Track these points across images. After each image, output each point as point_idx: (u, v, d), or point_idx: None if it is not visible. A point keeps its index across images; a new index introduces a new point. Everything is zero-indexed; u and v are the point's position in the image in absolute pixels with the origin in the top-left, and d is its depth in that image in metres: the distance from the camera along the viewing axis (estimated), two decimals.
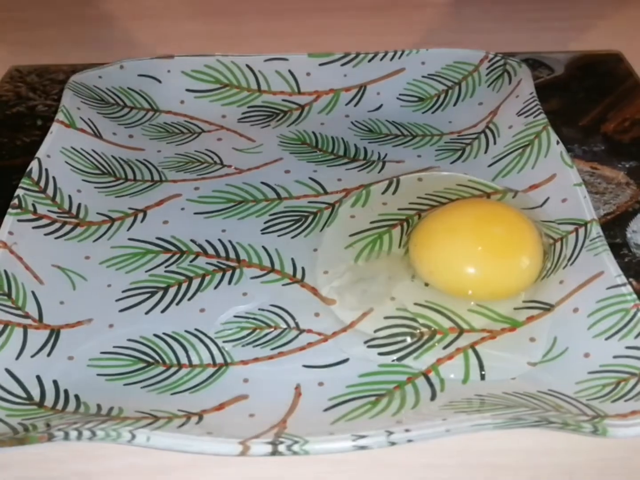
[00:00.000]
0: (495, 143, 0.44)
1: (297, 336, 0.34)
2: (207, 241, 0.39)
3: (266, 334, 0.34)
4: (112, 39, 0.57)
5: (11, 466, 0.30)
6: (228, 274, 0.37)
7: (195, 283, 0.37)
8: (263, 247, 0.38)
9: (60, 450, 0.30)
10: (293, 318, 0.35)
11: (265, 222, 0.40)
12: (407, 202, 0.41)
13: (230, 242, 0.39)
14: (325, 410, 0.31)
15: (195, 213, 0.40)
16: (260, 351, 0.33)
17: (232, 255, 0.38)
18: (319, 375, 0.32)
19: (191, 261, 0.38)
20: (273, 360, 0.33)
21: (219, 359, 0.33)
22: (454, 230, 0.36)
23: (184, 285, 0.36)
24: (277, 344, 0.34)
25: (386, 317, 0.35)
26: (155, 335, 0.34)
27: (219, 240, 0.39)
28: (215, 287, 0.36)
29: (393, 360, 0.33)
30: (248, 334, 0.34)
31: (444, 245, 0.36)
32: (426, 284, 0.36)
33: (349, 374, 0.32)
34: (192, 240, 0.39)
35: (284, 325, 0.35)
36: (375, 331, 0.34)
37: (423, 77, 0.48)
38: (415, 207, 0.40)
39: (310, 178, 0.42)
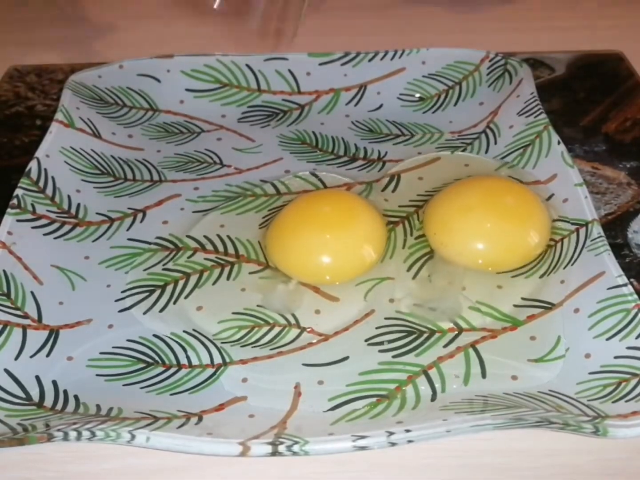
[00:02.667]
0: (496, 143, 0.44)
1: (297, 336, 0.34)
2: (205, 237, 0.39)
3: (266, 333, 0.34)
4: (111, 39, 0.57)
5: (10, 467, 0.30)
6: (226, 269, 0.37)
7: (193, 279, 0.37)
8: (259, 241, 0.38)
9: (59, 451, 0.30)
10: (293, 315, 0.35)
11: (264, 217, 0.40)
12: (407, 200, 0.41)
13: (228, 237, 0.39)
14: (325, 410, 0.31)
15: (194, 212, 0.40)
16: (259, 350, 0.33)
17: (230, 250, 0.38)
18: (318, 374, 0.32)
19: (189, 257, 0.38)
20: (272, 359, 0.33)
21: (218, 359, 0.33)
22: (464, 201, 0.37)
23: (181, 282, 0.36)
24: (277, 345, 0.34)
25: (387, 318, 0.35)
26: (154, 335, 0.34)
27: (217, 235, 0.39)
28: (214, 283, 0.36)
29: (393, 357, 0.33)
30: (247, 333, 0.34)
31: (455, 215, 0.37)
32: (429, 280, 0.36)
33: (349, 372, 0.32)
34: (188, 236, 0.39)
35: (283, 322, 0.35)
36: (376, 328, 0.34)
37: (423, 76, 0.48)
38: (415, 205, 0.40)
39: (311, 173, 0.43)
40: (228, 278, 0.37)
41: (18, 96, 0.51)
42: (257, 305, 0.35)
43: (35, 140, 0.44)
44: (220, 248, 0.38)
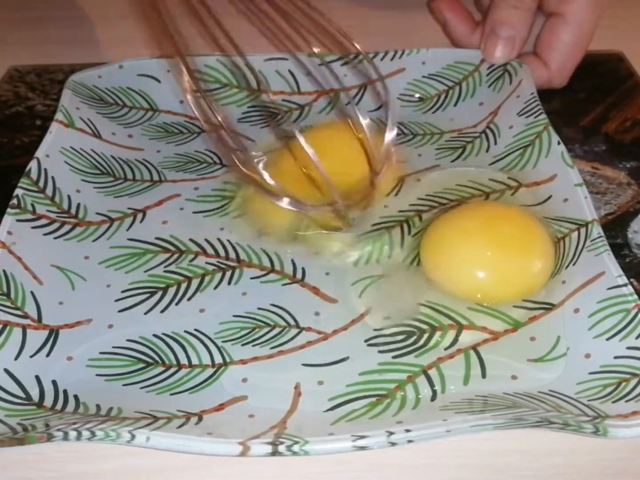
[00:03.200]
0: (496, 143, 0.44)
1: (296, 334, 0.34)
2: (207, 240, 0.39)
3: (265, 333, 0.34)
4: (111, 39, 0.57)
5: (10, 467, 0.30)
6: (228, 274, 0.37)
7: (195, 283, 0.36)
8: (262, 248, 0.38)
9: (59, 451, 0.30)
10: (293, 317, 0.35)
11: None
12: (407, 204, 0.41)
13: (229, 241, 0.39)
14: (325, 410, 0.31)
15: (194, 212, 0.40)
16: (259, 350, 0.33)
17: (232, 255, 0.38)
18: (318, 374, 0.32)
19: (190, 261, 0.38)
20: (272, 359, 0.33)
21: (218, 359, 0.33)
22: (464, 233, 0.37)
23: (184, 285, 0.36)
24: (277, 343, 0.34)
25: (386, 317, 0.35)
26: (154, 335, 0.34)
27: (218, 239, 0.39)
28: (215, 288, 0.36)
29: (393, 358, 0.33)
30: (247, 333, 0.34)
31: (455, 249, 0.36)
32: (428, 285, 0.36)
33: (349, 372, 0.32)
34: (191, 240, 0.39)
35: (283, 324, 0.35)
36: (375, 330, 0.34)
37: (423, 77, 0.48)
38: (415, 209, 0.40)
39: None
40: (229, 282, 0.37)
41: (18, 96, 0.51)
42: (258, 308, 0.35)
43: (35, 140, 0.44)
44: (222, 252, 0.38)
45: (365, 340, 0.34)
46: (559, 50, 0.46)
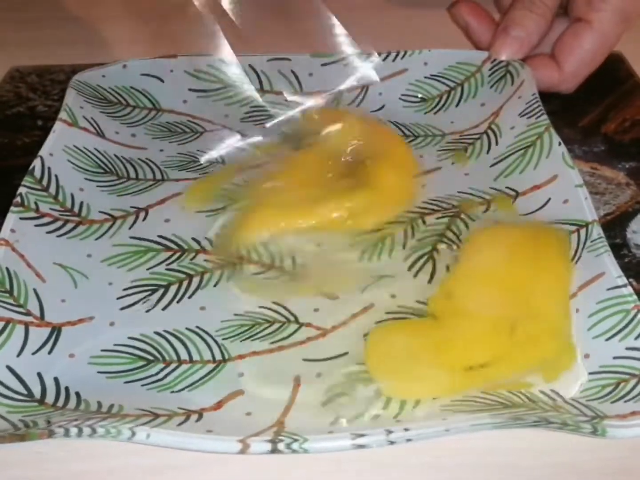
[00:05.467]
0: (497, 144, 0.44)
1: (296, 330, 0.34)
2: (207, 239, 0.39)
3: (265, 328, 0.34)
4: (113, 39, 0.57)
5: (10, 466, 0.30)
6: (227, 271, 0.37)
7: (196, 281, 0.37)
8: (263, 244, 0.38)
9: (60, 450, 0.30)
10: (292, 313, 0.35)
11: None
12: (413, 205, 0.41)
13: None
14: (324, 404, 0.31)
15: (197, 212, 0.40)
16: (258, 345, 0.33)
17: (232, 252, 0.38)
18: (318, 369, 0.32)
19: (192, 259, 0.38)
20: (272, 354, 0.33)
21: (219, 356, 0.33)
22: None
23: (185, 283, 0.36)
24: (276, 338, 0.34)
25: (387, 312, 0.35)
26: (155, 332, 0.34)
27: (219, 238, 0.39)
28: (215, 285, 0.36)
29: None
30: (247, 329, 0.34)
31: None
32: (428, 282, 0.36)
33: (349, 367, 0.32)
34: (193, 239, 0.39)
35: (282, 319, 0.35)
36: (376, 324, 0.34)
37: (425, 77, 0.48)
38: (418, 211, 0.40)
39: None
40: (229, 280, 0.37)
41: (19, 97, 0.51)
42: (259, 306, 0.35)
43: (37, 140, 0.44)
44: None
45: (365, 336, 0.34)
46: (577, 56, 0.46)
